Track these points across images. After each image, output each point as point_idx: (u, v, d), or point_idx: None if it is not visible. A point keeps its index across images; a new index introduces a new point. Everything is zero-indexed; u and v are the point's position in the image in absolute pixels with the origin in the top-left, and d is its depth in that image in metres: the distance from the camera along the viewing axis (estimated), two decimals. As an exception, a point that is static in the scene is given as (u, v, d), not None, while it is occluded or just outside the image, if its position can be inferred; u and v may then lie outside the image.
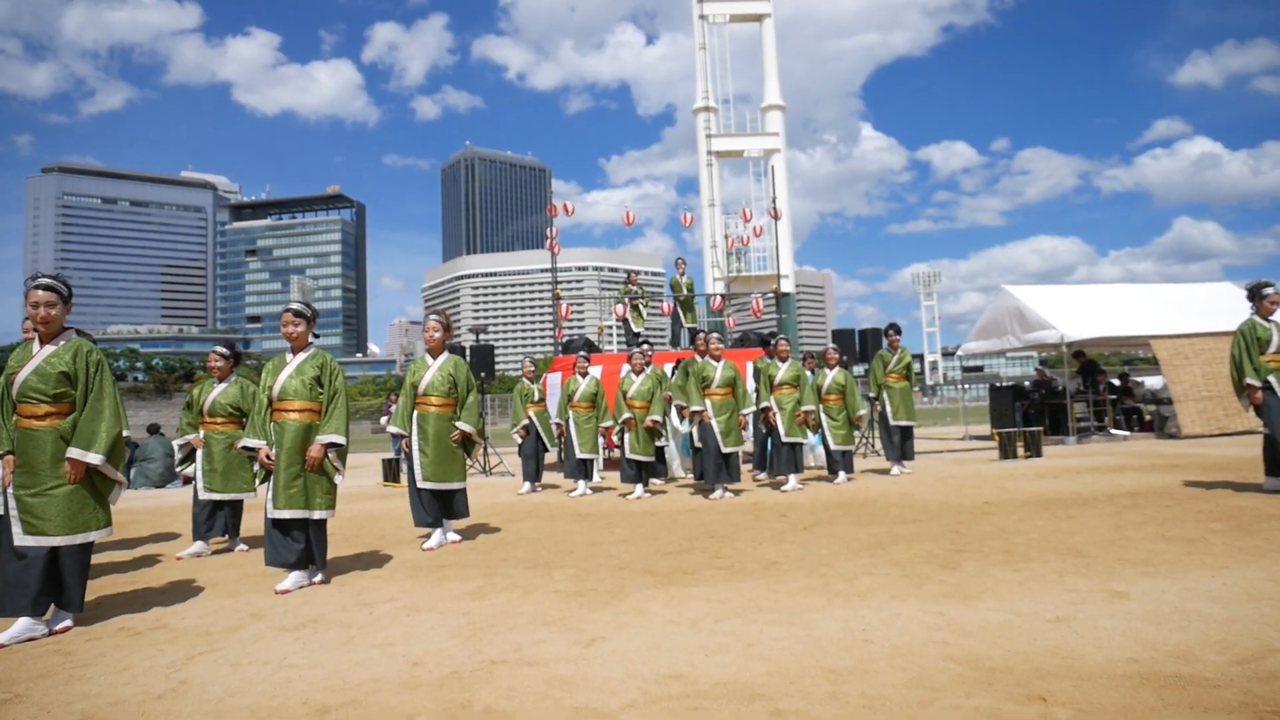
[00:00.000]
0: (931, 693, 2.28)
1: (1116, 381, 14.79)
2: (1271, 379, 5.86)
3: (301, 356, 4.40)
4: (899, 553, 4.41)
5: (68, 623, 3.49)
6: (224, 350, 5.93)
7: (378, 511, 7.71)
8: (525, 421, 9.23)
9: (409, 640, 3.07)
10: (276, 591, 4.05)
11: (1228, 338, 6.26)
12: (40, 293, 3.49)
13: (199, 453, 5.77)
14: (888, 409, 9.19)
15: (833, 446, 8.50)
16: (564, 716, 2.24)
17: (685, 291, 13.04)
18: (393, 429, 5.66)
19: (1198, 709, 2.08)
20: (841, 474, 8.45)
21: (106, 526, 3.59)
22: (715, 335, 7.96)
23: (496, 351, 13.15)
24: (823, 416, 8.46)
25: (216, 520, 5.68)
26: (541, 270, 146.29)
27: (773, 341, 9.01)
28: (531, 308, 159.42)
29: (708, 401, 7.63)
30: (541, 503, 7.92)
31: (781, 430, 8.00)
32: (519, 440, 9.39)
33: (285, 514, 4.16)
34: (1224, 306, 12.89)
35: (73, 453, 3.44)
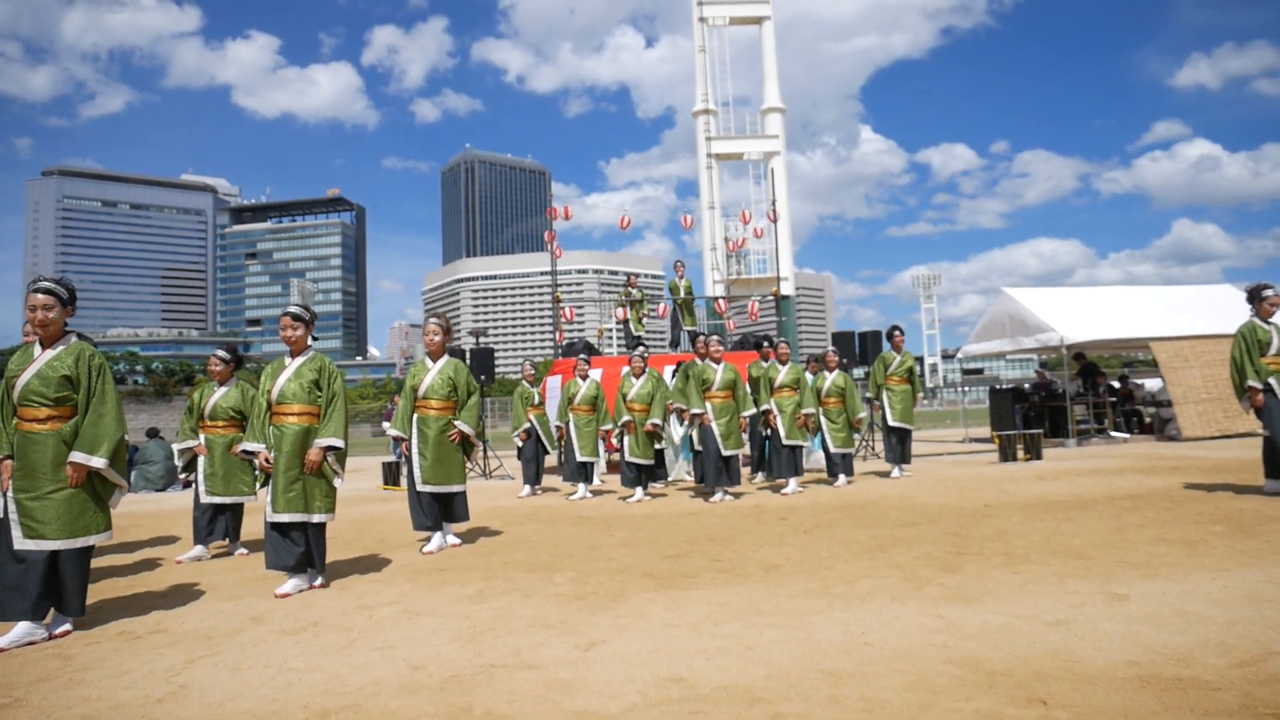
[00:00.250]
0: (931, 696, 2.28)
1: (1116, 384, 14.80)
2: (1272, 381, 5.86)
3: (300, 360, 4.40)
4: (899, 555, 4.41)
5: (67, 626, 3.48)
6: (224, 354, 5.94)
7: (378, 515, 7.70)
8: (526, 425, 9.23)
9: (409, 644, 3.07)
10: (276, 595, 4.05)
11: (1227, 340, 6.26)
12: (39, 296, 3.49)
13: (200, 458, 5.77)
14: (887, 411, 9.19)
15: (832, 449, 8.50)
16: (564, 720, 2.24)
17: (684, 294, 13.05)
18: (393, 432, 5.66)
19: (1198, 712, 2.08)
20: (841, 477, 8.45)
21: (106, 530, 3.59)
22: (715, 338, 7.97)
23: (496, 354, 13.15)
24: (822, 419, 8.46)
25: (217, 524, 5.67)
26: (541, 273, 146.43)
27: (765, 345, 9.02)
28: (531, 311, 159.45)
29: (708, 404, 7.63)
30: (541, 506, 7.92)
31: (782, 433, 8.00)
32: (519, 444, 9.39)
33: (285, 517, 4.16)
34: (1223, 309, 12.89)
35: (76, 457, 3.44)
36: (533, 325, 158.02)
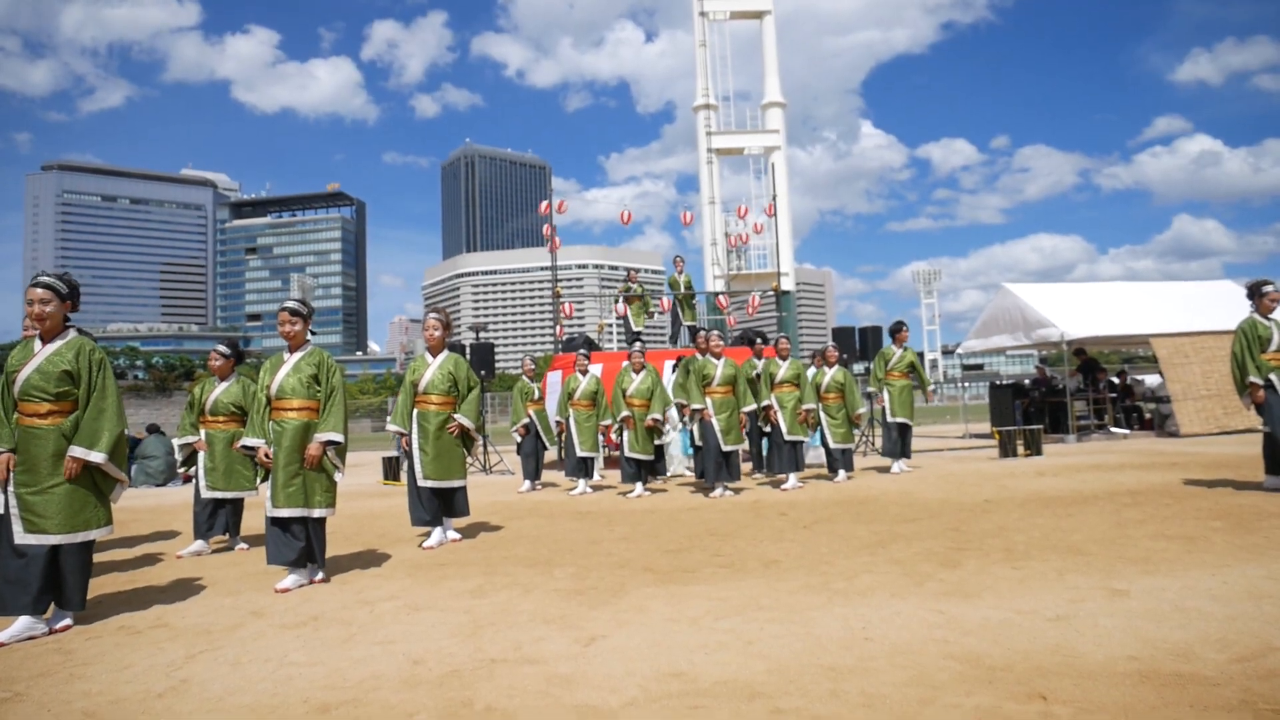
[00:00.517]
0: (931, 691, 2.28)
1: (1115, 379, 14.80)
2: (1273, 377, 5.86)
3: (299, 355, 4.39)
4: (899, 551, 4.41)
5: (68, 621, 3.49)
6: (225, 349, 5.94)
7: (378, 510, 7.71)
8: (525, 420, 9.23)
9: (409, 638, 3.07)
10: (277, 590, 4.06)
11: (1227, 336, 6.26)
12: (37, 290, 3.49)
13: (200, 453, 5.77)
14: (887, 406, 9.20)
15: (832, 445, 8.50)
16: (564, 714, 2.25)
17: (684, 289, 13.04)
18: (392, 427, 5.66)
19: (1198, 707, 2.08)
20: (841, 472, 8.45)
21: (107, 525, 3.59)
22: (716, 333, 7.97)
23: (496, 349, 13.14)
24: (822, 415, 8.46)
25: (217, 519, 5.68)
26: (541, 268, 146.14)
27: (758, 342, 9.02)
28: (531, 306, 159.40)
29: (708, 399, 7.63)
30: (542, 501, 7.92)
31: (783, 428, 8.00)
32: (519, 439, 9.39)
33: (285, 512, 4.16)
34: (1224, 305, 12.88)
35: (75, 451, 3.44)
36: (533, 320, 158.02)
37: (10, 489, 3.40)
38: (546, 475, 10.36)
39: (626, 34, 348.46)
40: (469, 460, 6.04)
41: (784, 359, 8.28)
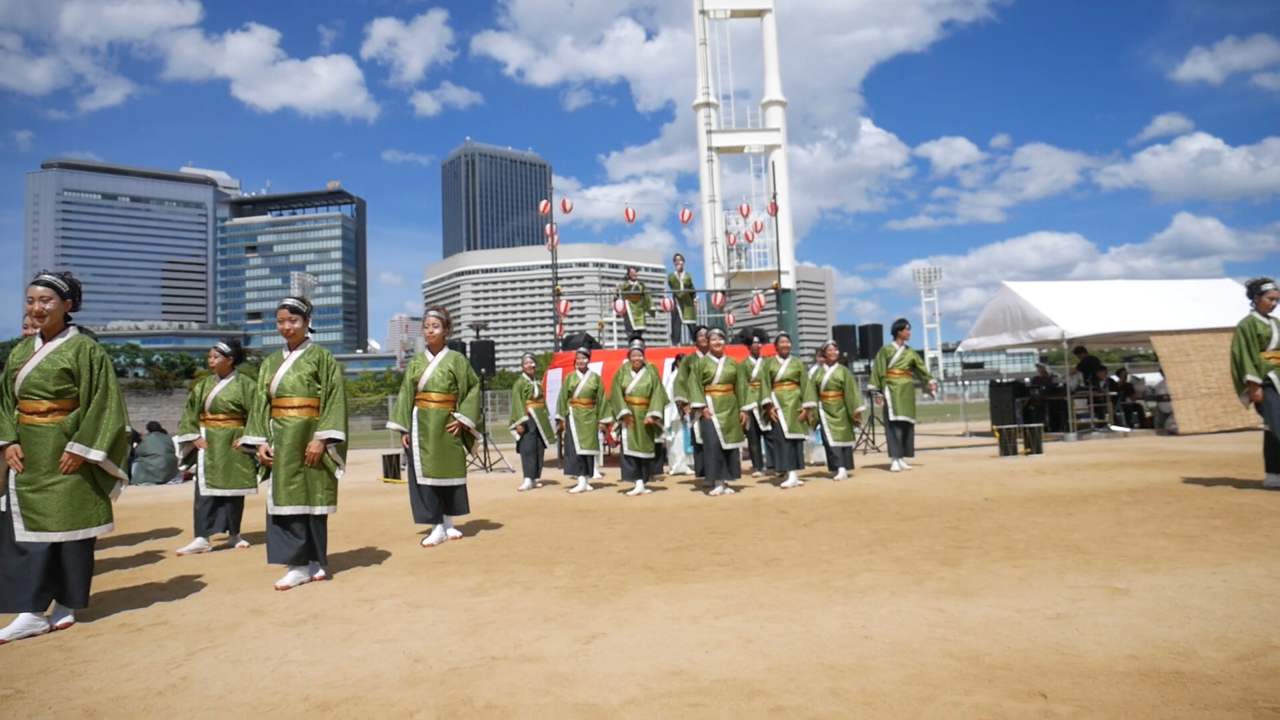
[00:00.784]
0: (931, 689, 2.28)
1: (1115, 377, 14.79)
2: (1272, 376, 5.85)
3: (298, 352, 4.39)
4: (899, 549, 4.41)
5: (68, 619, 3.49)
6: (225, 347, 5.94)
7: (378, 508, 7.71)
8: (524, 418, 9.21)
9: (410, 636, 3.07)
10: (277, 587, 4.06)
11: (1228, 334, 6.26)
12: (36, 289, 3.49)
13: (200, 451, 5.78)
14: (889, 404, 9.20)
15: (832, 443, 8.50)
16: (564, 712, 2.25)
17: (684, 288, 13.04)
18: (393, 425, 5.66)
19: (1198, 706, 2.08)
20: (841, 470, 8.45)
21: (108, 522, 3.59)
22: (717, 331, 7.97)
23: (497, 347, 13.13)
24: (821, 413, 8.46)
25: (218, 516, 5.69)
26: (542, 266, 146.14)
27: (755, 340, 9.02)
28: (532, 304, 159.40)
29: (709, 398, 7.63)
30: (542, 499, 7.93)
31: (784, 426, 8.00)
32: (518, 437, 9.39)
33: (286, 510, 4.16)
34: (1224, 303, 12.88)
35: (74, 448, 3.44)
36: (533, 318, 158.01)
37: (11, 486, 3.40)
38: (547, 473, 10.37)
39: (626, 32, 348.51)
40: (469, 458, 6.04)
41: (784, 357, 8.27)
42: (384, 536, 5.81)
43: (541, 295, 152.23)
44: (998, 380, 16.49)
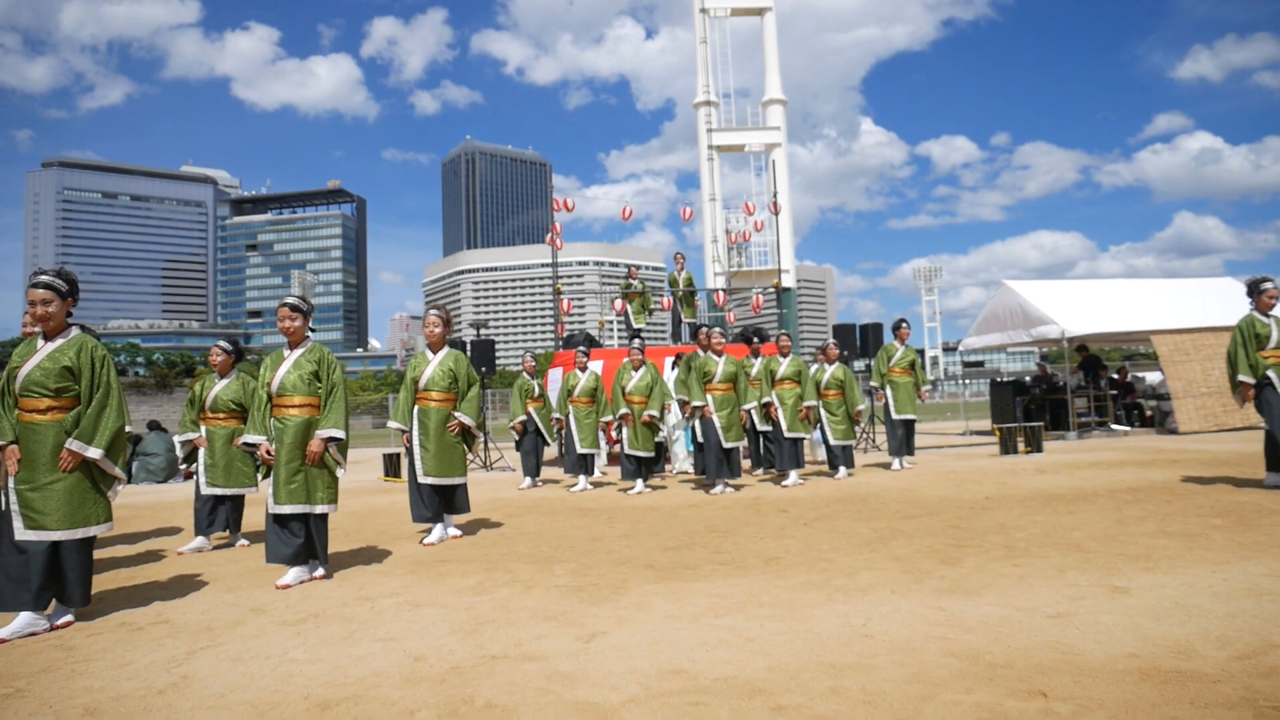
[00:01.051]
0: (932, 688, 2.28)
1: (1115, 376, 14.78)
2: (1271, 374, 5.85)
3: (299, 351, 4.39)
4: (899, 548, 4.41)
5: (69, 617, 3.49)
6: (226, 345, 5.94)
7: (378, 506, 7.71)
8: (522, 417, 9.19)
9: (410, 635, 3.07)
10: (278, 586, 4.06)
11: (1228, 333, 6.25)
12: (37, 291, 3.48)
13: (201, 450, 5.78)
14: (890, 403, 9.20)
15: (832, 442, 8.50)
16: (564, 711, 2.25)
17: (685, 287, 13.03)
18: (394, 424, 5.66)
19: (1198, 704, 2.08)
20: (842, 469, 8.45)
21: (107, 522, 3.59)
22: (717, 330, 7.97)
23: (497, 346, 13.13)
24: (822, 412, 8.46)
25: (218, 515, 5.69)
26: (542, 265, 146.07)
27: (755, 340, 9.02)
28: (532, 303, 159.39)
29: (709, 396, 7.63)
30: (542, 498, 7.93)
31: (784, 425, 8.00)
32: (517, 436, 9.39)
33: (287, 509, 4.16)
34: (1225, 302, 12.87)
35: (73, 445, 3.44)
36: (533, 317, 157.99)
37: (10, 485, 3.40)
38: (547, 472, 10.37)
39: (626, 31, 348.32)
40: (470, 457, 6.03)
41: (785, 356, 8.27)
42: (384, 535, 5.81)
43: (542, 294, 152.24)
44: (998, 379, 16.48)
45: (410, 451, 5.46)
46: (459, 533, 5.64)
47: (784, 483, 7.94)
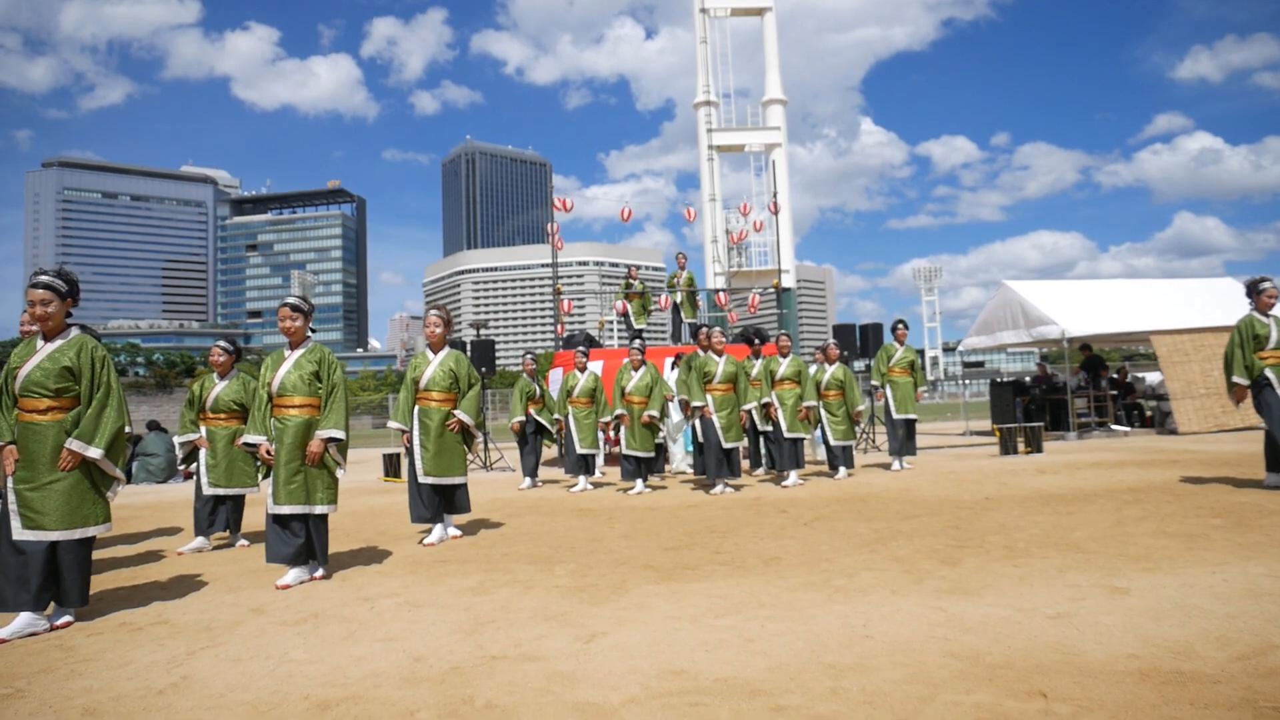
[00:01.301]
0: (932, 688, 2.28)
1: (1115, 375, 14.79)
2: (1271, 374, 5.84)
3: (299, 351, 4.39)
4: (899, 548, 4.41)
5: (69, 618, 3.49)
6: (226, 345, 5.94)
7: (378, 507, 7.71)
8: (520, 417, 9.19)
9: (410, 635, 3.07)
10: (277, 586, 4.06)
11: (1228, 333, 6.25)
12: (37, 291, 3.48)
13: (201, 450, 5.78)
14: (890, 402, 9.20)
15: (832, 442, 8.49)
16: (565, 712, 2.25)
17: (685, 287, 13.03)
18: (394, 424, 5.66)
19: (1198, 705, 2.08)
20: (842, 469, 8.45)
21: (106, 522, 3.59)
22: (718, 330, 7.97)
23: (497, 346, 13.14)
24: (822, 412, 8.46)
25: (218, 515, 5.69)
26: (542, 265, 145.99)
27: (756, 340, 9.02)
28: (532, 303, 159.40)
29: (709, 396, 7.63)
30: (542, 498, 7.92)
31: (784, 425, 8.00)
32: (516, 435, 9.38)
33: (287, 509, 4.16)
34: (1225, 302, 12.87)
35: (73, 444, 3.44)
36: (533, 317, 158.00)
37: (9, 485, 3.40)
38: (546, 472, 10.37)
39: (626, 31, 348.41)
40: (469, 457, 6.04)
41: (785, 356, 8.27)
42: (384, 535, 5.81)
43: (542, 294, 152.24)
44: (998, 379, 16.48)
45: (410, 451, 5.46)
46: (459, 533, 5.63)
47: (784, 483, 7.94)
